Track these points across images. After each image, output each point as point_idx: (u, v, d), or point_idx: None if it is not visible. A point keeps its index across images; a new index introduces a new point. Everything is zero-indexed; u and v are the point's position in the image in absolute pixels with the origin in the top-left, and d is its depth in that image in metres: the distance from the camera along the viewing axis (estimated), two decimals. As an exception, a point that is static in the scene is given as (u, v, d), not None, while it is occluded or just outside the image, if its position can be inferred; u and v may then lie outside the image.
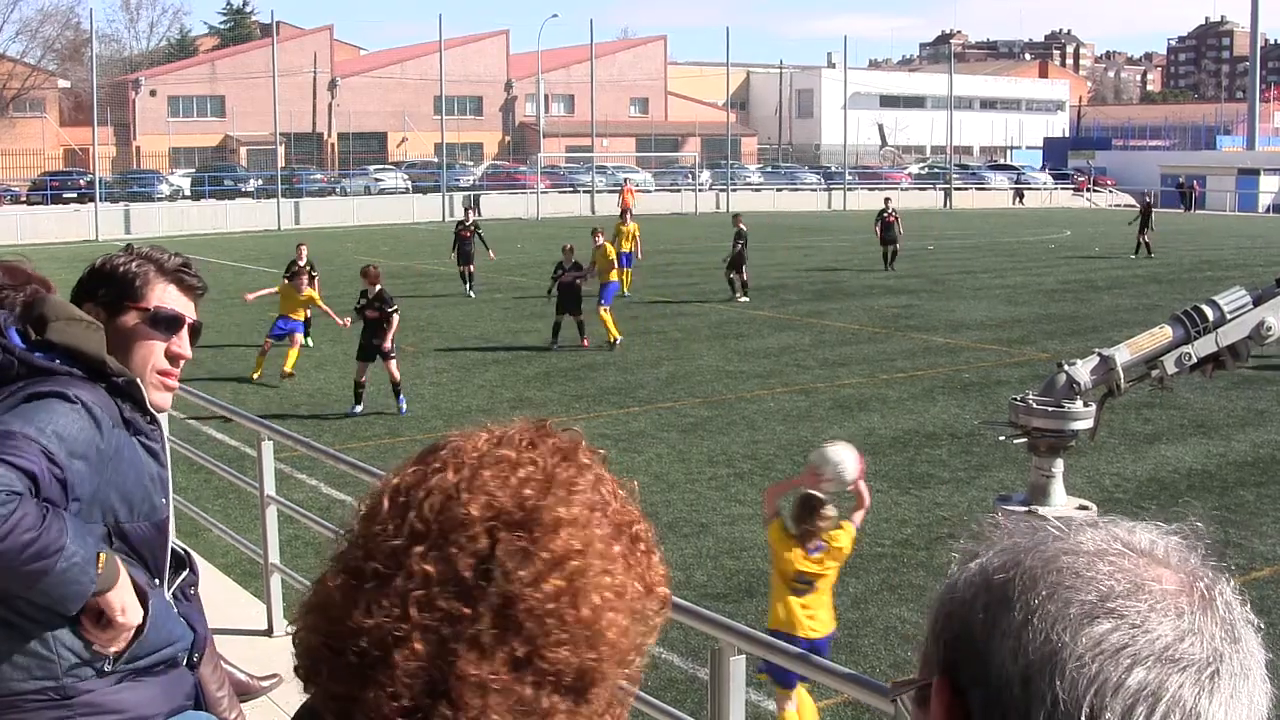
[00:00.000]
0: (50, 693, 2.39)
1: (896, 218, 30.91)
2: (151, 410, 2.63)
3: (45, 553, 2.18)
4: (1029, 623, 0.84)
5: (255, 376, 16.41)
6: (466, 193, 53.96)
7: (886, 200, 32.71)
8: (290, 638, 1.10)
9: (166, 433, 2.77)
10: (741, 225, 24.89)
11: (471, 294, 25.49)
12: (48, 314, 2.53)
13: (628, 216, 27.85)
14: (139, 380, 2.59)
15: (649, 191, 59.13)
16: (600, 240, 20.71)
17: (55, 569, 2.20)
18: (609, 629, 1.03)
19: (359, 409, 14.39)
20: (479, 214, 31.90)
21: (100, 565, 2.29)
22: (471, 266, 25.89)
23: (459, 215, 31.99)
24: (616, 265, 20.70)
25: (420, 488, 1.06)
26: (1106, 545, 0.87)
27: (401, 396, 14.52)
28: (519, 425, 1.13)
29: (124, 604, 2.37)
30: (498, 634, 1.00)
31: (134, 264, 2.73)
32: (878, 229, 31.07)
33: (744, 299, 24.18)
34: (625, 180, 54.14)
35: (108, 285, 2.71)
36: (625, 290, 24.24)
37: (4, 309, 2.82)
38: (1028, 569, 0.86)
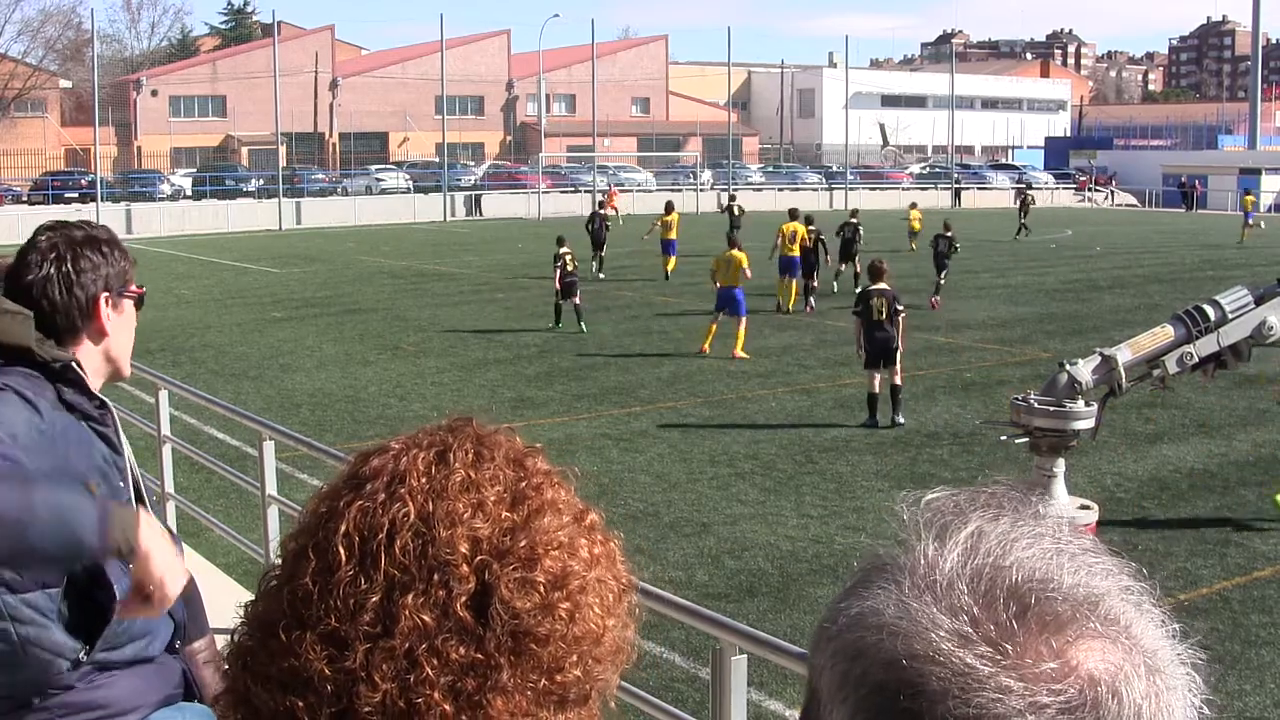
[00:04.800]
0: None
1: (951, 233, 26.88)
2: (99, 395, 2.57)
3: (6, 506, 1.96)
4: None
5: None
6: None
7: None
8: None
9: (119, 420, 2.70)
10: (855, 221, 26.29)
11: (602, 275, 28.51)
12: None
13: (671, 208, 29.73)
14: (77, 362, 2.53)
15: (650, 191, 59.09)
16: (734, 250, 18.89)
17: (33, 515, 1.95)
18: (607, 635, 1.00)
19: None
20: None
21: (93, 490, 2.21)
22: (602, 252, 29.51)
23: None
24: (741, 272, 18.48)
25: (378, 528, 0.96)
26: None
27: None
28: (442, 435, 1.04)
29: (151, 550, 2.08)
30: (518, 670, 0.95)
31: (115, 250, 2.71)
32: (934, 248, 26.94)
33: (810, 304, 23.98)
34: (610, 185, 54.16)
35: (111, 268, 2.68)
36: (670, 272, 28.04)
37: None
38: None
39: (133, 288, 2.71)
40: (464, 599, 0.94)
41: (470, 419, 1.07)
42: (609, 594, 1.02)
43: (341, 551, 0.95)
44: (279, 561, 1.01)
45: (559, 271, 20.54)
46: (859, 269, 24.45)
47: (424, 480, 0.98)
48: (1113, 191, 70.47)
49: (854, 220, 26.72)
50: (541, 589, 0.96)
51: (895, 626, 0.72)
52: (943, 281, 24.18)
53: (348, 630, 0.93)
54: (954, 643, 0.70)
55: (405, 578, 0.94)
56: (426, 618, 0.93)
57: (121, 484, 2.56)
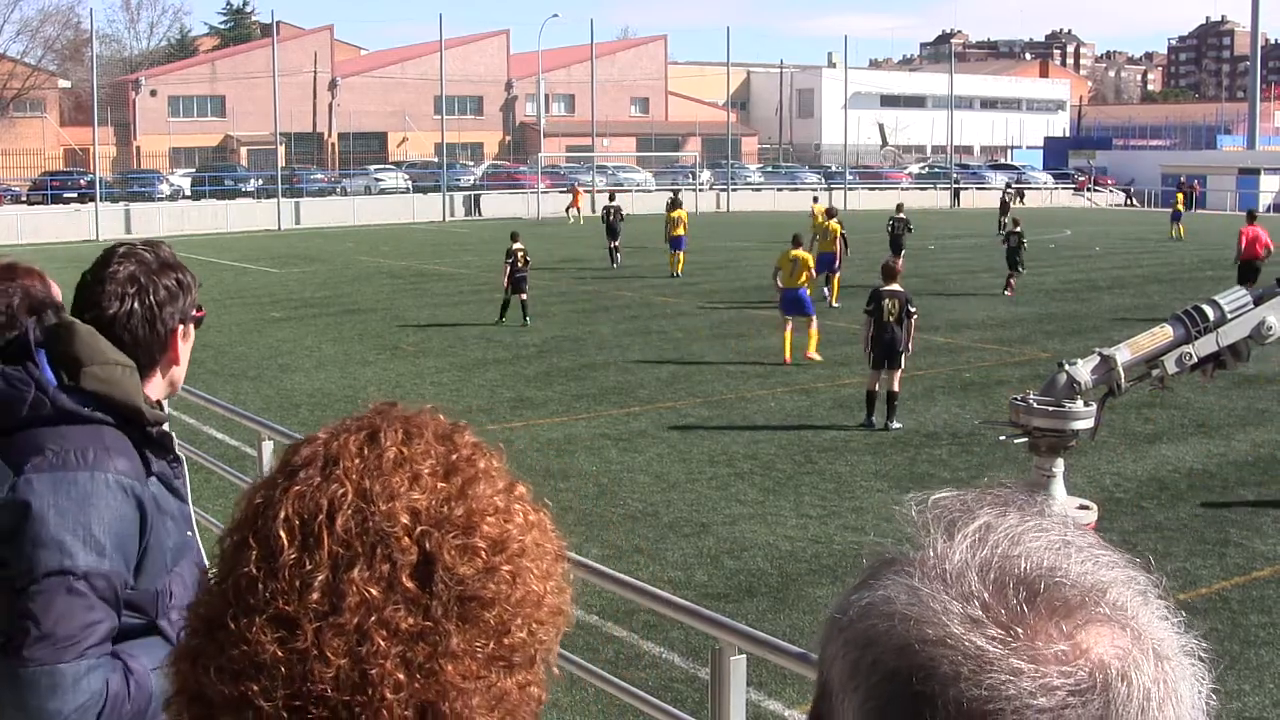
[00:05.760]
0: None
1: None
2: (176, 453, 2.56)
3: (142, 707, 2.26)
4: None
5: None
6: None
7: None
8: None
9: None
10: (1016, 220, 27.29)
11: (615, 265, 30.51)
12: (81, 356, 2.40)
13: (679, 204, 30.38)
14: (166, 425, 2.53)
15: (649, 191, 59.11)
16: (803, 246, 18.80)
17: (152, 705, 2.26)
18: (547, 598, 1.02)
19: None
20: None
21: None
22: (616, 242, 31.16)
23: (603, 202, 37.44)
24: (807, 271, 17.88)
25: (317, 509, 0.97)
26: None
27: None
28: (370, 418, 1.05)
29: None
30: (466, 635, 0.97)
31: (186, 274, 2.65)
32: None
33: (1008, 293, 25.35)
34: (575, 185, 54.17)
35: (187, 296, 2.63)
36: (679, 271, 28.69)
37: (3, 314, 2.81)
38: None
39: (195, 311, 2.67)
40: (408, 569, 0.96)
41: (395, 403, 1.08)
42: (545, 558, 1.04)
43: (283, 535, 0.96)
44: (218, 560, 1.02)
45: (509, 267, 21.08)
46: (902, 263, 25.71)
47: (357, 460, 1.00)
48: (1130, 195, 70.33)
49: (901, 215, 27.85)
50: (483, 554, 0.98)
51: (906, 613, 0.73)
52: (1022, 271, 26.09)
53: (296, 610, 0.94)
54: (965, 627, 0.71)
55: (349, 554, 0.96)
56: (374, 591, 0.95)
57: (190, 532, 2.58)
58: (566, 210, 51.33)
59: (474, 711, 0.96)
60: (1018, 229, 26.42)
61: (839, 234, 23.71)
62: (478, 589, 0.97)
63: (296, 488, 0.99)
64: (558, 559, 1.06)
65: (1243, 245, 23.43)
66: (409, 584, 0.96)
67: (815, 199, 39.35)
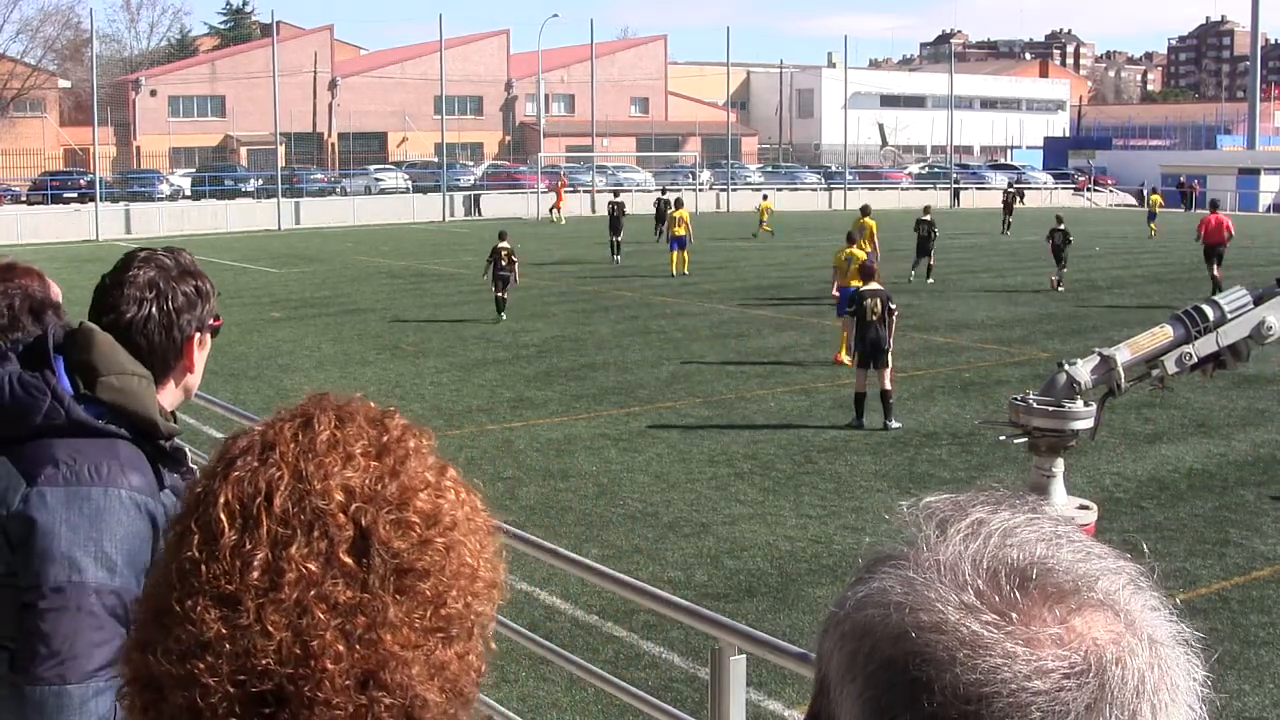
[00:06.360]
0: None
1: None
2: (191, 466, 2.53)
3: None
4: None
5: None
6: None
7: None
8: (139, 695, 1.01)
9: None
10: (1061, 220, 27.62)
11: (618, 259, 31.96)
12: (98, 365, 2.37)
13: (681, 204, 31.05)
14: (180, 439, 2.52)
15: (649, 191, 59.11)
16: (853, 247, 18.72)
17: None
18: (481, 570, 1.05)
19: None
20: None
21: None
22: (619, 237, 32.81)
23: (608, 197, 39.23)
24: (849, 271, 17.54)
25: (255, 492, 1.00)
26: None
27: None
28: (303, 407, 1.09)
29: None
30: (403, 606, 1.00)
31: (205, 282, 2.63)
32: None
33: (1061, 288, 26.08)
34: (558, 184, 54.26)
35: (205, 304, 2.62)
36: (684, 270, 29.10)
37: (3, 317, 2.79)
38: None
39: (212, 320, 2.66)
40: (345, 545, 0.99)
41: (327, 393, 1.12)
42: (478, 533, 1.07)
43: (224, 519, 1.00)
44: (163, 553, 1.05)
45: (492, 265, 21.70)
46: (933, 262, 27.63)
47: (293, 445, 1.03)
48: (1111, 191, 70.43)
49: (928, 217, 28.25)
50: (417, 528, 1.01)
51: (902, 601, 0.74)
52: (1065, 270, 26.58)
53: (238, 589, 0.97)
54: (960, 613, 0.72)
55: (287, 533, 0.99)
56: (312, 566, 0.98)
57: None
58: (550, 211, 51.53)
59: (413, 680, 0.99)
60: (1061, 226, 26.84)
61: (874, 232, 24.01)
62: (413, 561, 1.00)
63: (235, 474, 1.02)
64: (490, 534, 1.09)
65: (1204, 232, 26.41)
66: (346, 559, 0.99)
67: (765, 196, 41.98)
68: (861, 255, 17.78)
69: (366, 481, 1.02)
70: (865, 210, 25.27)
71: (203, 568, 0.98)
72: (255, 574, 0.98)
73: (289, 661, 0.96)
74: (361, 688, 0.97)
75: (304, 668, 0.96)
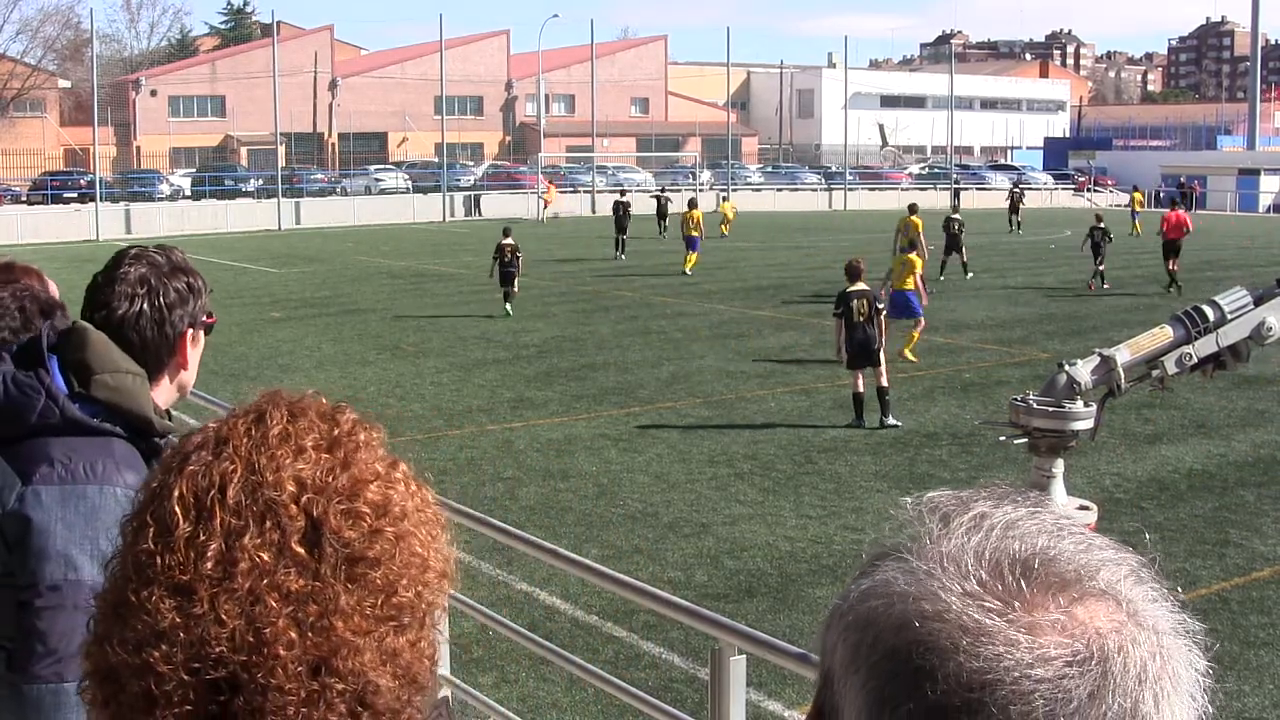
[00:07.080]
0: None
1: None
2: None
3: None
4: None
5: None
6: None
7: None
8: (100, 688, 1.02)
9: None
10: (1101, 222, 27.21)
11: (622, 257, 33.37)
12: (93, 363, 2.38)
13: (695, 205, 31.48)
14: (175, 437, 2.51)
15: (649, 191, 59.10)
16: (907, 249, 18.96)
17: None
18: (432, 560, 1.07)
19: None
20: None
21: None
22: (625, 235, 34.36)
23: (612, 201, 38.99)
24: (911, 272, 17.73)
25: (209, 485, 1.03)
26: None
27: None
28: (256, 404, 1.10)
29: None
30: (354, 595, 1.02)
31: (197, 278, 2.63)
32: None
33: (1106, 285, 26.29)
34: (547, 184, 54.49)
35: (198, 300, 2.61)
36: (688, 269, 29.51)
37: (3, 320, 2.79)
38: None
39: (205, 317, 2.65)
40: (297, 535, 1.02)
41: (279, 390, 1.14)
42: (428, 524, 1.09)
43: (178, 511, 1.02)
44: (118, 548, 1.07)
45: (497, 261, 22.13)
46: (965, 259, 28.42)
47: (246, 439, 1.06)
48: (1111, 191, 70.38)
49: (957, 215, 29.03)
50: (367, 518, 1.04)
51: (905, 591, 0.75)
52: (1102, 269, 26.58)
53: (192, 579, 1.00)
54: (963, 602, 0.73)
55: (240, 523, 1.01)
56: (264, 556, 1.00)
57: None
58: (540, 210, 51.66)
59: (365, 666, 1.01)
60: (1101, 224, 26.74)
61: (920, 229, 24.14)
62: (363, 550, 1.03)
63: (190, 468, 1.05)
64: (441, 526, 1.11)
65: (1166, 228, 26.79)
66: (298, 549, 1.01)
67: (726, 197, 45.49)
68: (915, 260, 18.02)
69: (318, 473, 1.04)
70: (913, 209, 25.22)
71: (158, 559, 1.01)
72: (209, 564, 1.00)
73: (242, 649, 0.98)
74: (314, 674, 0.99)
75: (257, 655, 0.98)
